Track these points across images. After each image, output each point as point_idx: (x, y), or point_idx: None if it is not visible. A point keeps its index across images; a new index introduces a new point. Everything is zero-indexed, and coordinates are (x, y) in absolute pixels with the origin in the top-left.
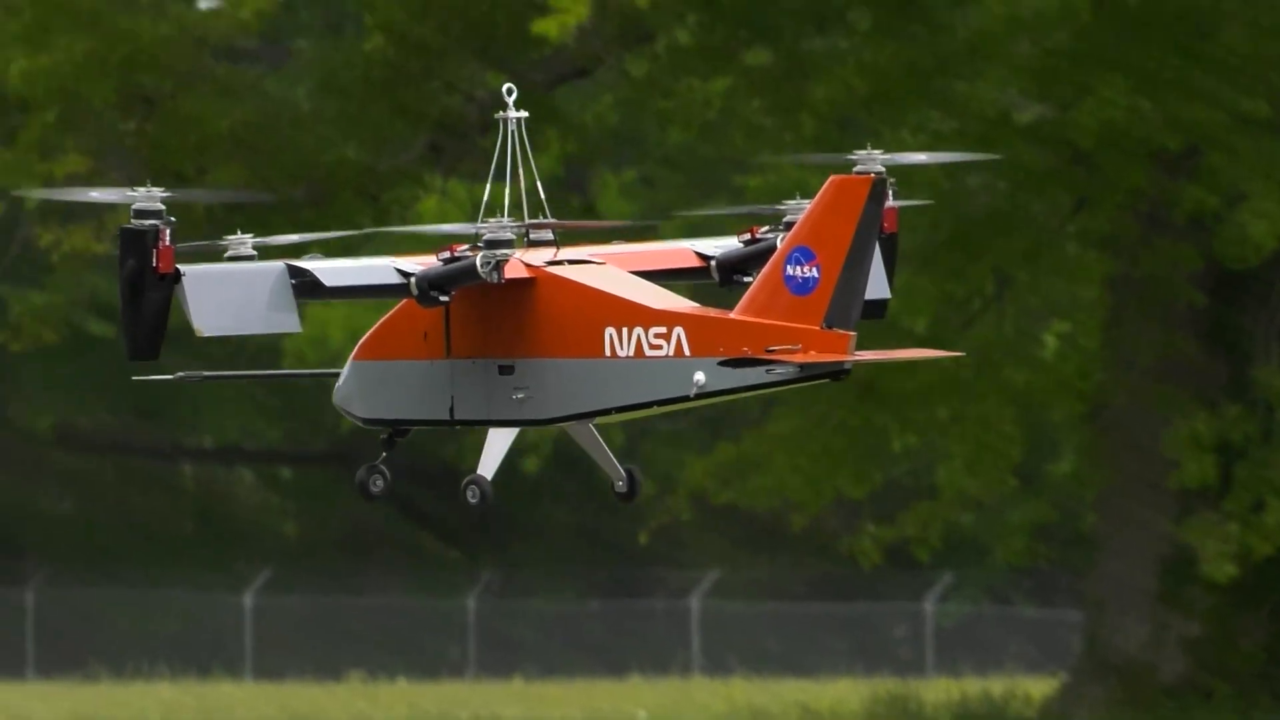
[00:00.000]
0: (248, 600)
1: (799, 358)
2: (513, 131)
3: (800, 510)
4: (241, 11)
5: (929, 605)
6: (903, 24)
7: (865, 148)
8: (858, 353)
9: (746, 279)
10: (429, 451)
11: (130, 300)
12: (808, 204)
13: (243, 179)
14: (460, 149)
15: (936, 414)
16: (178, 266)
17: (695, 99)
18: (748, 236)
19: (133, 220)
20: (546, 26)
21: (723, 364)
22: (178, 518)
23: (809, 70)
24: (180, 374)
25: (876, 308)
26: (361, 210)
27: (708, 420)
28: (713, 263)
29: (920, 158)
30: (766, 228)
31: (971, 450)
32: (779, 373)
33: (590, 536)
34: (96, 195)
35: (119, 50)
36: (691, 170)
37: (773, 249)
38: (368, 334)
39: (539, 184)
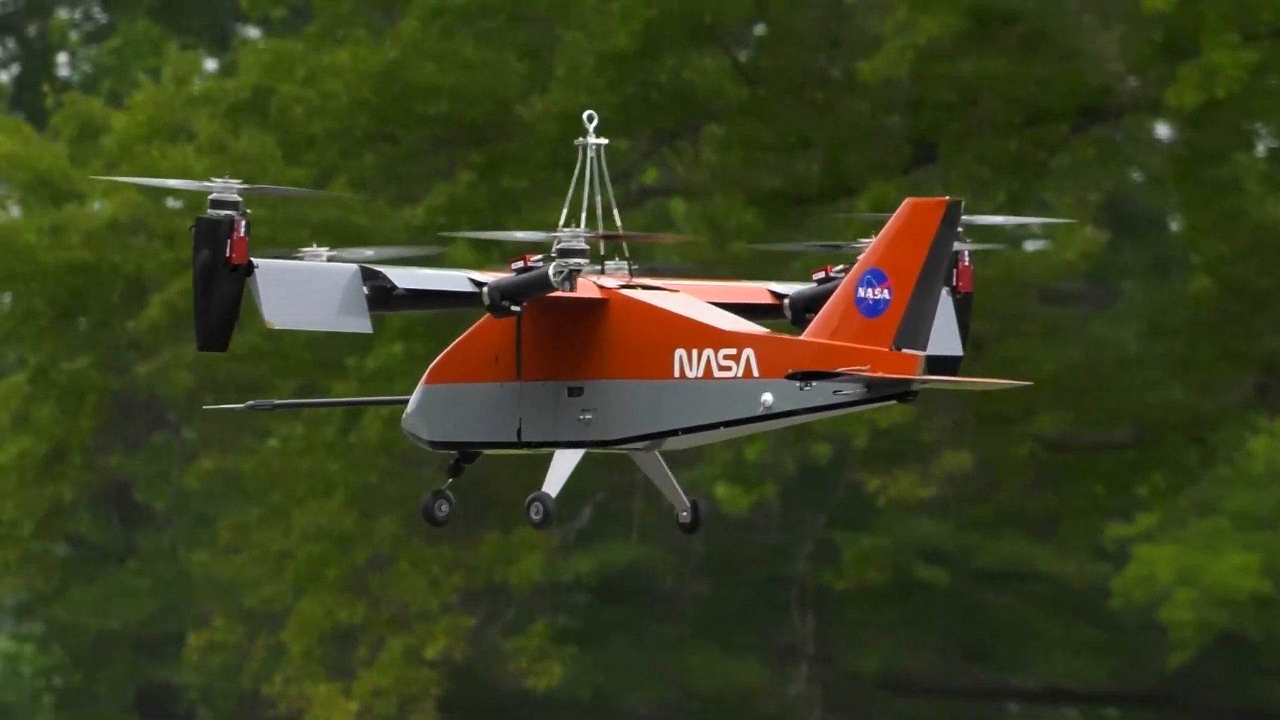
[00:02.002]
0: None
1: (866, 374)
2: (591, 157)
3: None
4: (1067, 253)
5: None
6: None
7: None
8: (927, 376)
9: None
10: None
11: (203, 290)
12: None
13: (1067, 422)
14: None
15: None
16: (251, 259)
17: None
18: (821, 275)
19: (209, 211)
20: None
21: (790, 378)
22: None
23: None
24: (250, 403)
25: (948, 364)
26: (1188, 452)
27: None
28: (786, 300)
29: (996, 220)
30: (840, 266)
31: None
32: (846, 392)
33: None
34: (175, 184)
35: None
36: None
37: None
38: (438, 358)
39: (614, 209)
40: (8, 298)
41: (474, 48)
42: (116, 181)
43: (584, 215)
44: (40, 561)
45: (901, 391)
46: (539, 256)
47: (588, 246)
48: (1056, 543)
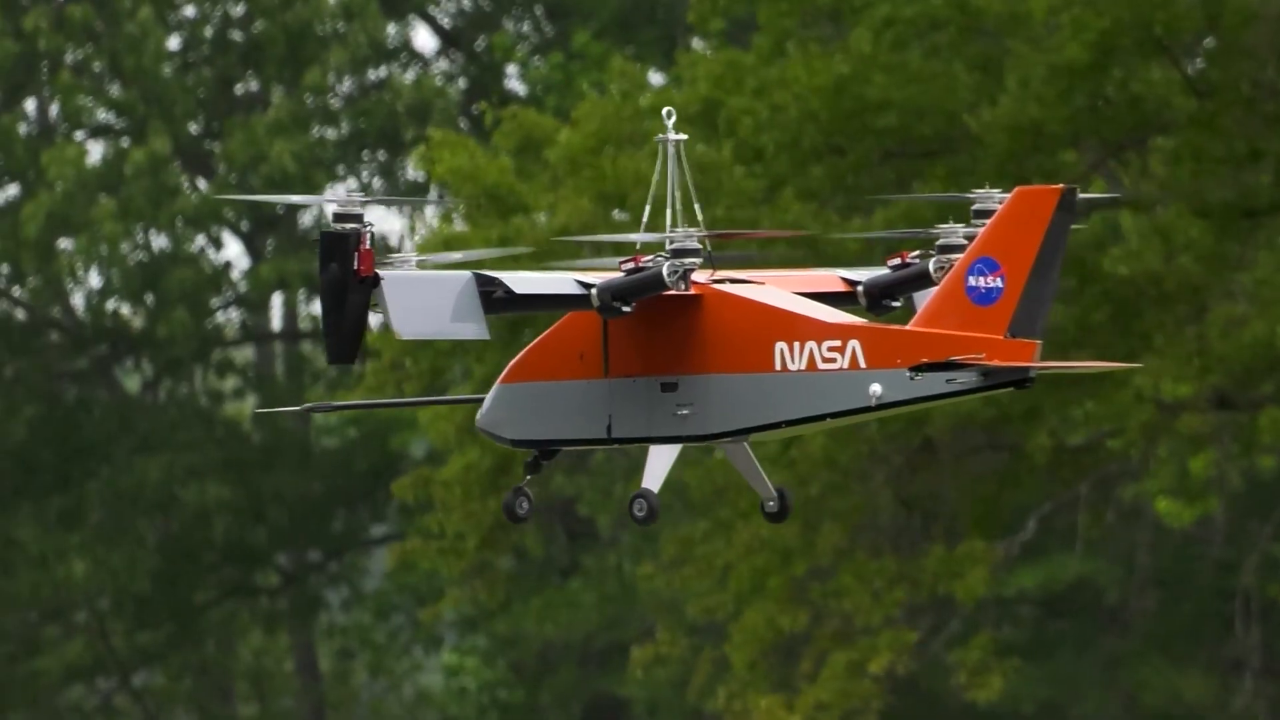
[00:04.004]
0: None
1: (984, 362)
2: (671, 154)
3: None
4: None
5: None
6: None
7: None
8: (1043, 362)
9: (894, 304)
10: None
11: (332, 305)
12: (961, 228)
13: None
14: None
15: None
16: (376, 271)
17: None
18: (897, 261)
19: (334, 224)
20: None
21: (915, 370)
22: None
23: None
24: (307, 405)
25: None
26: None
27: None
28: (860, 288)
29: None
30: (917, 252)
31: None
32: (961, 381)
33: None
34: (295, 199)
35: None
36: None
37: (923, 273)
38: (517, 358)
39: (696, 204)
40: None
41: (923, 60)
42: (244, 200)
43: (669, 213)
44: (485, 575)
45: (1019, 379)
46: (650, 257)
47: (700, 246)
48: None
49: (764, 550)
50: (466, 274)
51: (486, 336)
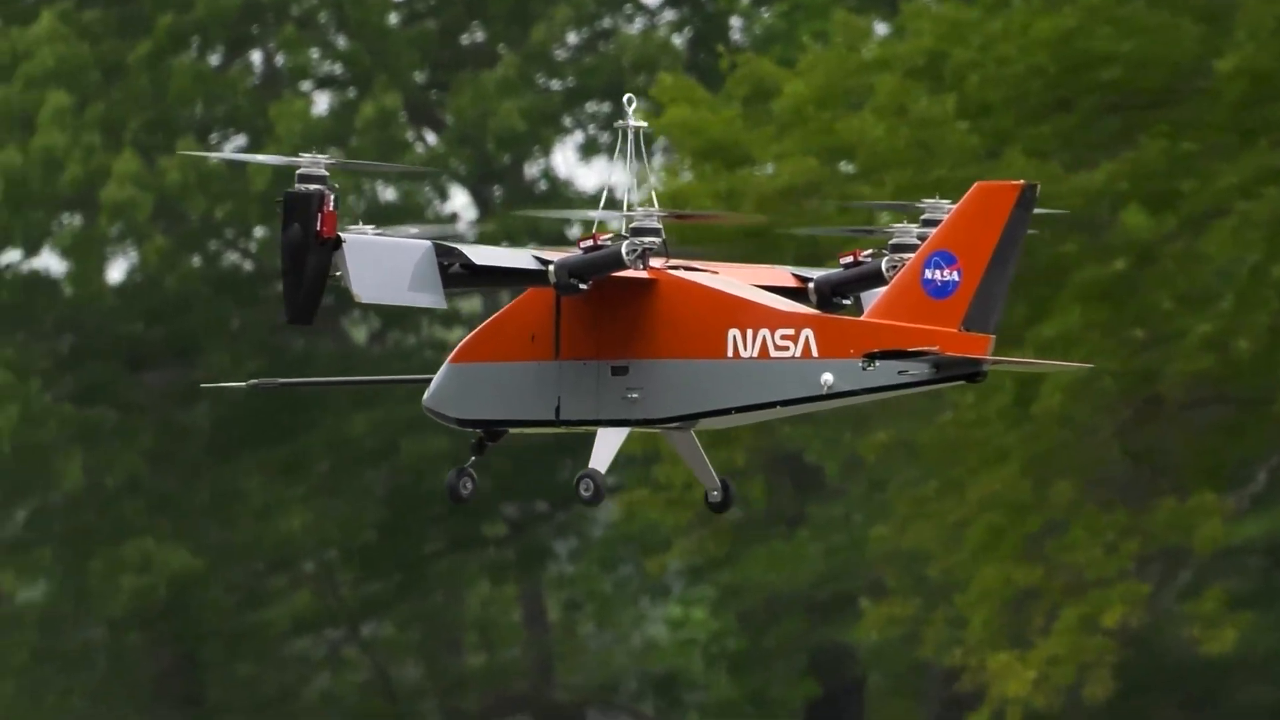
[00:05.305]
0: None
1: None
2: (631, 139)
3: None
4: None
5: None
6: None
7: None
8: (996, 357)
9: (845, 301)
10: None
11: (292, 265)
12: (914, 228)
13: None
14: None
15: None
16: (339, 233)
17: None
18: (849, 259)
19: (297, 185)
20: None
21: (868, 357)
22: None
23: None
24: (253, 381)
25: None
26: None
27: None
28: (811, 284)
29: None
30: (869, 251)
31: None
32: (913, 372)
33: None
34: (263, 159)
35: None
36: None
37: (875, 272)
38: (467, 337)
39: (653, 192)
40: None
41: (1149, 11)
42: (215, 157)
43: (626, 195)
44: (712, 526)
45: (971, 372)
46: (608, 235)
47: (660, 225)
48: None
49: (997, 506)
50: (426, 243)
51: (444, 306)
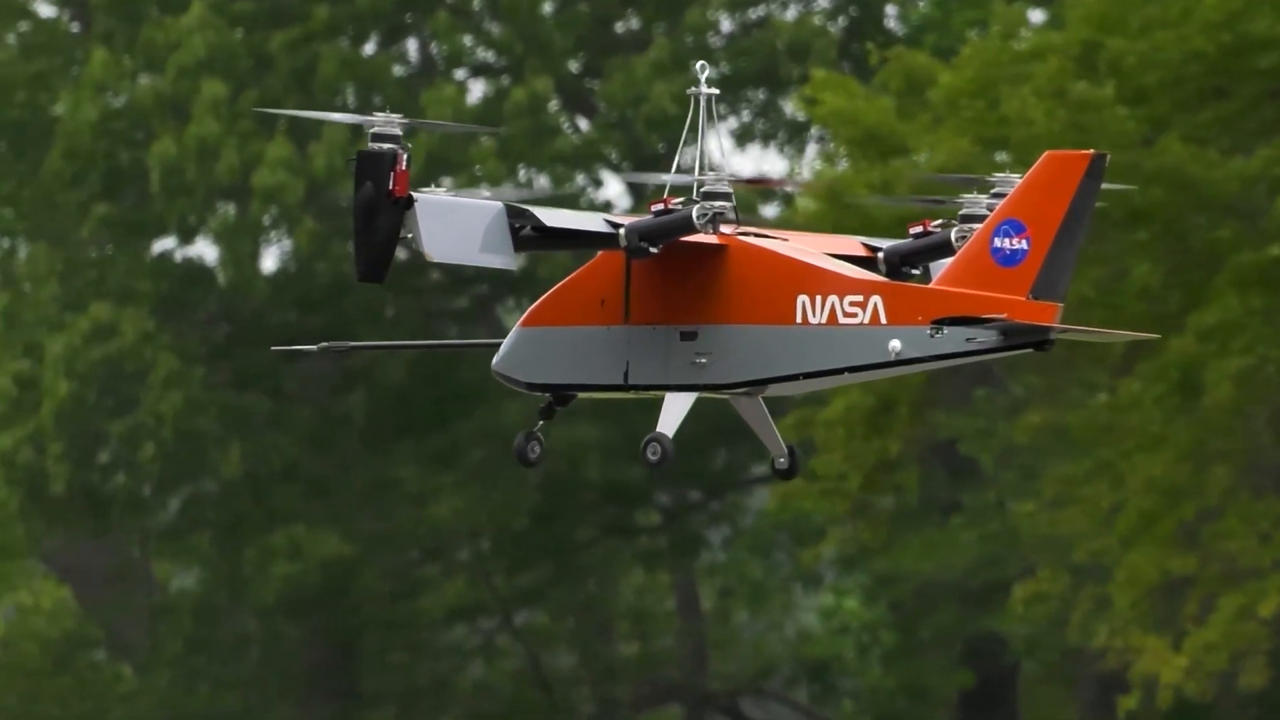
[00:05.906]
0: None
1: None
2: (703, 106)
3: None
4: None
5: None
6: None
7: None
8: (1064, 325)
9: (914, 271)
10: None
11: (364, 223)
12: (984, 199)
13: None
14: None
15: None
16: (411, 192)
17: None
18: (919, 229)
19: (371, 145)
20: None
21: (936, 324)
22: None
23: None
24: (324, 344)
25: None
26: None
27: None
28: (880, 254)
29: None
30: (939, 221)
31: None
32: (981, 339)
33: None
34: (337, 117)
35: None
36: None
37: (944, 243)
38: (538, 301)
39: (725, 157)
40: None
41: None
42: (283, 114)
43: (698, 158)
44: (868, 515)
45: (1039, 340)
46: (679, 200)
47: (731, 190)
48: None
49: (1152, 491)
50: (498, 204)
51: (514, 268)
